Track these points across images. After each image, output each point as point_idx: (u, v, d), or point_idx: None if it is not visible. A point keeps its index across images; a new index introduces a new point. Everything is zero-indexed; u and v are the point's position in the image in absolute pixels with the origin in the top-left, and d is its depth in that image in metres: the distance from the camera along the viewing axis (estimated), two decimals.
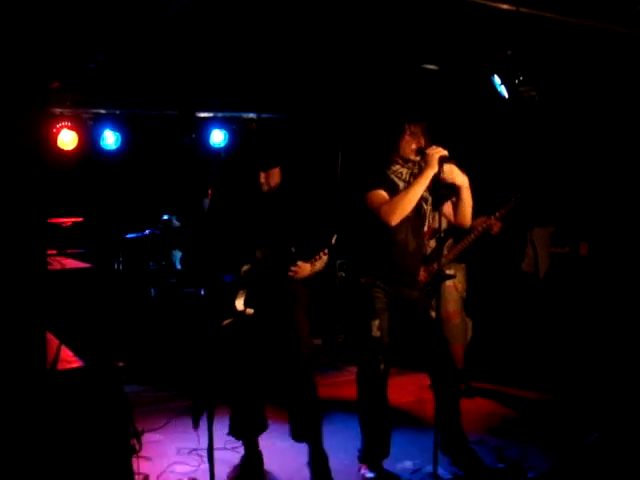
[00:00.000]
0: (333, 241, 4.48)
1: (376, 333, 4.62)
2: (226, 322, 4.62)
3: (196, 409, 5.61)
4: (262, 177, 4.64)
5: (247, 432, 4.87)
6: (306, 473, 4.66)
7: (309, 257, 4.48)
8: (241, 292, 4.64)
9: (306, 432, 4.66)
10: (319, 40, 5.75)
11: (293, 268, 4.46)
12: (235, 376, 4.83)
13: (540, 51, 5.75)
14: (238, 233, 4.82)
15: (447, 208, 4.83)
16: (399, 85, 6.86)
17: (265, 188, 4.67)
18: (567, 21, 5.05)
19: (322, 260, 4.53)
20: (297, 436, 4.70)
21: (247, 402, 4.82)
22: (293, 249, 4.51)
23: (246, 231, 4.74)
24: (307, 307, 4.81)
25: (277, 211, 4.69)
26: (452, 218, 4.85)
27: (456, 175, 4.56)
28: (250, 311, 4.60)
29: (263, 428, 4.92)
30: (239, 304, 4.61)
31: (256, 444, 4.91)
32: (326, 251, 4.44)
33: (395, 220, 4.46)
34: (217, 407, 4.28)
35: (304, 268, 4.50)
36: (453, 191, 4.68)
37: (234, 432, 4.88)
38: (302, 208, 4.73)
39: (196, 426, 5.45)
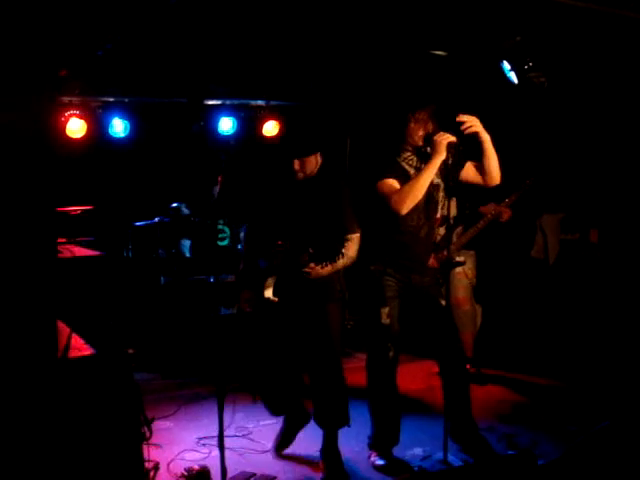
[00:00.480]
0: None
1: (385, 320, 4.62)
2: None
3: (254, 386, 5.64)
4: (296, 164, 4.60)
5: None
6: (317, 459, 4.69)
7: (322, 260, 4.34)
8: (270, 280, 4.63)
9: (326, 418, 4.68)
10: (327, 26, 5.73)
11: (306, 269, 4.38)
12: (262, 361, 4.83)
13: (550, 37, 5.72)
14: (270, 220, 4.79)
15: (471, 172, 4.77)
16: (407, 71, 6.83)
17: (300, 176, 4.63)
18: (577, 6, 5.01)
19: (338, 263, 4.42)
20: (318, 420, 4.73)
21: (277, 385, 4.85)
22: (311, 250, 4.41)
23: (278, 219, 4.73)
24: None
25: (306, 203, 4.63)
26: (479, 180, 4.77)
27: (479, 128, 4.53)
28: (275, 299, 4.60)
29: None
30: (267, 291, 4.62)
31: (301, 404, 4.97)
32: (341, 256, 4.36)
33: (405, 209, 4.44)
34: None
35: (317, 270, 4.35)
36: (475, 148, 4.63)
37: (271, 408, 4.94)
38: (329, 206, 4.60)
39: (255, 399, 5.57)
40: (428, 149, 4.57)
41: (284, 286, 4.59)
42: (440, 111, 4.68)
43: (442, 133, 4.46)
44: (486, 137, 4.59)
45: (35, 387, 2.69)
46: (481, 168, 4.72)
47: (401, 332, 4.70)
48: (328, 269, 4.38)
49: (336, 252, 4.31)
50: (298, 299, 4.63)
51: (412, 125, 4.62)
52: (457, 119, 4.49)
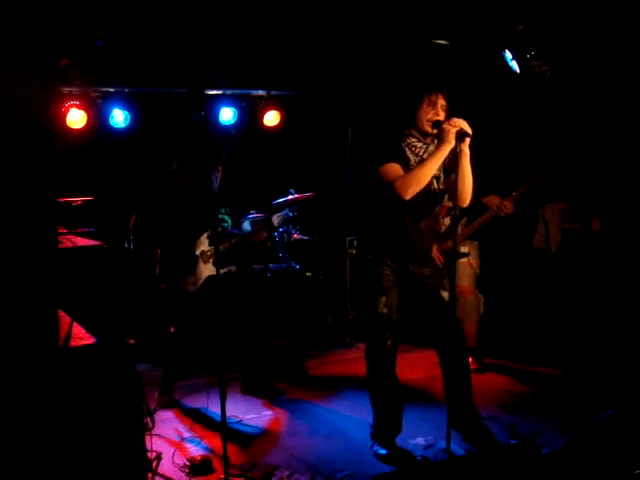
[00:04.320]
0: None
1: (383, 310, 4.58)
2: None
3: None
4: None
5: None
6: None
7: None
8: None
9: None
10: (328, 15, 5.71)
11: None
12: None
13: (552, 25, 5.69)
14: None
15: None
16: (412, 58, 6.80)
17: None
18: None
19: None
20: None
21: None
22: None
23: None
24: None
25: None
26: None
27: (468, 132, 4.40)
28: None
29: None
30: None
31: None
32: None
33: (409, 194, 4.38)
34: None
35: None
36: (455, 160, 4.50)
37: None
38: None
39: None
40: (435, 137, 4.52)
41: None
42: (452, 100, 4.60)
43: (454, 119, 4.38)
44: (467, 150, 4.45)
45: (36, 376, 2.68)
46: (451, 184, 4.62)
47: (401, 322, 4.67)
48: None
49: None
50: None
51: (424, 106, 4.54)
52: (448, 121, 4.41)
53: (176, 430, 5.16)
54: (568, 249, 7.25)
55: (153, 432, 3.83)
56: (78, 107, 7.29)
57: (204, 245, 5.60)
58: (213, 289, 5.32)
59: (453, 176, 4.55)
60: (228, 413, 4.36)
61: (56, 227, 3.26)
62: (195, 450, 4.77)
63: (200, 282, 5.55)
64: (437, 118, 4.50)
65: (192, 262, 5.55)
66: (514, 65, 5.75)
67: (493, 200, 5.97)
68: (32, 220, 2.70)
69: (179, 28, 5.88)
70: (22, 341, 2.59)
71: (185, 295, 5.54)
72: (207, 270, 5.55)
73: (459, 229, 6.03)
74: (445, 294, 4.78)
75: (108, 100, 7.55)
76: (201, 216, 5.59)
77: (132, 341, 6.98)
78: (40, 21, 2.70)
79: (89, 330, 3.18)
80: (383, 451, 4.61)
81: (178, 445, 4.85)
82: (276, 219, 5.99)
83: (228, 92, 8.13)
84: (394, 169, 4.47)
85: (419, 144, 4.62)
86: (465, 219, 6.12)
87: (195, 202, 5.60)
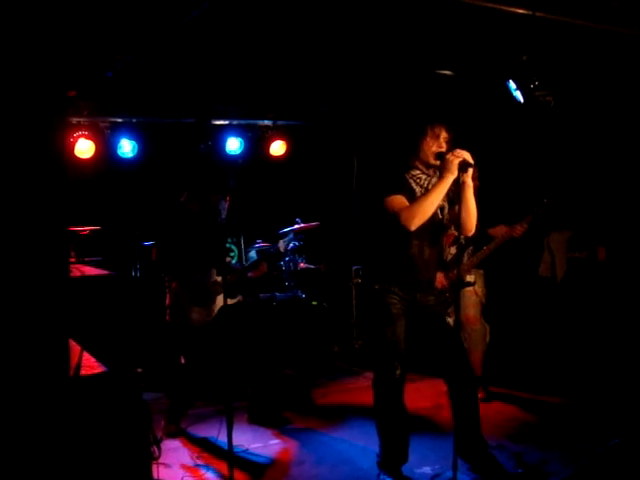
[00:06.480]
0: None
1: (391, 339, 4.59)
2: None
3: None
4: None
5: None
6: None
7: None
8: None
9: None
10: (334, 46, 5.77)
11: None
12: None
13: (556, 56, 5.74)
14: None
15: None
16: (416, 90, 6.86)
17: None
18: (583, 25, 5.04)
19: None
20: None
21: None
22: None
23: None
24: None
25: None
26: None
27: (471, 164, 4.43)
28: None
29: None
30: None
31: None
32: None
33: (415, 225, 4.42)
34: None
35: None
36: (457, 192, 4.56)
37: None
38: None
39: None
40: (438, 168, 4.56)
41: None
42: (455, 132, 4.64)
43: (458, 150, 4.42)
44: (469, 181, 4.49)
45: (48, 406, 2.70)
46: (454, 215, 4.67)
47: (408, 350, 4.68)
48: None
49: None
50: None
51: (427, 139, 4.60)
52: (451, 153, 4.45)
53: (182, 459, 5.16)
54: (574, 278, 7.26)
55: (159, 461, 3.83)
56: (86, 137, 7.35)
57: (216, 275, 5.61)
58: (226, 319, 5.31)
59: (457, 207, 4.58)
60: (235, 442, 4.36)
61: (67, 257, 3.29)
62: (201, 479, 4.77)
63: (214, 313, 5.56)
64: (440, 150, 4.55)
65: (208, 294, 5.55)
66: (518, 95, 5.79)
67: (500, 230, 6.00)
68: (44, 250, 2.73)
69: (186, 59, 5.94)
70: (34, 371, 2.61)
71: (199, 326, 5.54)
72: (220, 301, 5.54)
73: (465, 258, 6.05)
74: (450, 320, 4.78)
75: (116, 130, 7.62)
76: (212, 246, 5.58)
77: (139, 370, 6.98)
78: (50, 53, 2.74)
79: (98, 359, 3.19)
80: None
81: (184, 474, 4.85)
82: (282, 244, 6.06)
83: (235, 122, 8.20)
84: (399, 200, 4.50)
85: (423, 176, 4.67)
86: (471, 248, 6.13)
87: (206, 231, 5.61)
